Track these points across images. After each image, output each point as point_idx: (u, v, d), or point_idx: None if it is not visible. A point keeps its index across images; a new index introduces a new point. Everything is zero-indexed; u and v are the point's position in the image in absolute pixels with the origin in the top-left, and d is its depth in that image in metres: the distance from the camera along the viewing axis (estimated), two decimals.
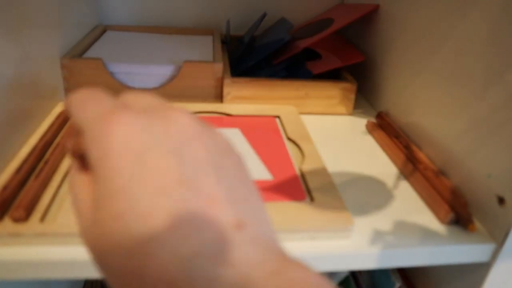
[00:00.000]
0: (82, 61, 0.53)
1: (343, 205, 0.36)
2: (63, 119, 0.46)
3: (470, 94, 0.41)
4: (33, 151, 0.39)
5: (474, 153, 0.40)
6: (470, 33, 0.41)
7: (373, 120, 0.56)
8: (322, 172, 0.41)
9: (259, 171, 0.41)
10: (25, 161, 0.38)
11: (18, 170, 0.36)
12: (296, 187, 0.39)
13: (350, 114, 0.58)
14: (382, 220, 0.38)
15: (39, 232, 0.31)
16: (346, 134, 0.53)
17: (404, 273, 0.53)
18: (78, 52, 0.56)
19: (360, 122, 0.57)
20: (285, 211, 0.35)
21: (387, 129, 0.53)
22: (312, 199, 0.37)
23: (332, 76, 0.59)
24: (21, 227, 0.31)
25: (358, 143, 0.51)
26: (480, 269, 0.41)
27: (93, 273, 0.32)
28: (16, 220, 0.32)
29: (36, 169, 0.37)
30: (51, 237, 0.31)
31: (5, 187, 0.34)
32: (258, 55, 0.61)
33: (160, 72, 0.54)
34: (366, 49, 0.64)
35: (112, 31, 0.70)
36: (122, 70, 0.54)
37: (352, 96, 0.57)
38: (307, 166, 0.42)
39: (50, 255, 0.31)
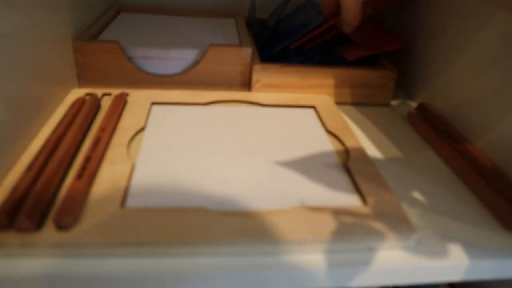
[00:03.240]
0: (97, 44, 0.48)
1: (401, 209, 0.32)
2: (78, 109, 0.41)
3: None
4: (45, 145, 0.35)
5: None
6: (483, 44, 0.36)
7: (413, 111, 0.51)
8: (371, 170, 0.36)
9: (301, 171, 0.36)
10: (36, 157, 0.33)
11: (29, 167, 0.32)
12: (345, 188, 0.34)
13: (388, 104, 0.53)
14: (441, 227, 0.33)
15: (55, 242, 0.27)
16: (386, 126, 0.48)
17: (453, 284, 0.49)
18: (91, 34, 0.51)
19: (400, 113, 0.52)
20: (336, 217, 0.30)
21: (432, 121, 0.48)
22: (365, 202, 0.33)
23: (367, 63, 0.54)
24: (34, 237, 0.27)
25: (401, 137, 0.46)
26: None
27: None
28: (62, 227, 0.27)
29: (74, 167, 0.33)
30: (70, 248, 0.27)
31: (15, 189, 0.29)
32: (286, 40, 0.55)
33: (183, 57, 0.49)
34: (403, 35, 0.59)
35: (127, 12, 0.65)
36: (140, 54, 0.49)
37: (391, 85, 0.52)
38: (353, 164, 0.37)
39: (70, 268, 0.27)
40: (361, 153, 0.39)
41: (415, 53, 0.56)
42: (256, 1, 0.69)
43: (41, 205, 0.28)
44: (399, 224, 0.30)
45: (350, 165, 0.37)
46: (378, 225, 0.30)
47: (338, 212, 0.31)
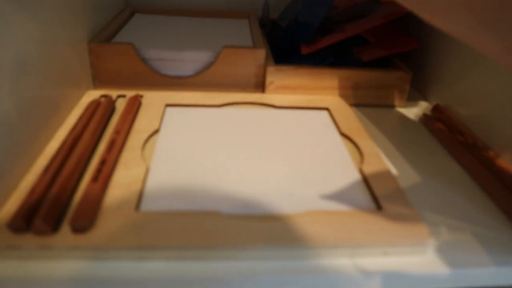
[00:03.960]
0: (112, 46, 0.48)
1: (416, 214, 0.31)
2: (93, 111, 0.42)
3: None
4: (61, 147, 0.35)
5: None
6: None
7: (428, 113, 0.51)
8: (386, 174, 0.36)
9: (316, 173, 0.36)
10: (53, 159, 0.34)
11: (46, 170, 0.32)
12: (360, 192, 0.34)
13: (403, 106, 0.53)
14: (459, 233, 0.33)
15: (71, 245, 0.27)
16: (401, 129, 0.48)
17: None
18: (106, 36, 0.51)
19: (414, 115, 0.51)
20: (351, 221, 0.30)
21: (447, 123, 0.47)
22: (379, 207, 0.32)
23: (380, 64, 0.54)
24: (51, 240, 0.27)
25: (415, 139, 0.46)
26: None
27: None
28: (78, 230, 0.27)
29: (90, 169, 0.34)
30: (85, 251, 0.27)
31: (32, 191, 0.30)
32: (299, 36, 0.55)
33: (197, 59, 0.49)
34: (419, 35, 0.58)
35: (140, 13, 0.65)
36: (154, 56, 0.49)
37: (407, 87, 0.51)
38: (368, 167, 0.37)
39: (86, 270, 0.27)
40: (375, 156, 0.38)
41: (431, 54, 0.55)
42: (269, 1, 0.69)
43: (58, 208, 0.28)
44: (415, 229, 0.30)
45: (364, 168, 0.37)
46: (393, 230, 0.30)
47: (352, 216, 0.31)
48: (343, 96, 0.51)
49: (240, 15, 0.68)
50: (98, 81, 0.49)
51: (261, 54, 0.49)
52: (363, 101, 0.52)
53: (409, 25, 0.61)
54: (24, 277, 0.26)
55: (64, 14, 0.42)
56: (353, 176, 0.36)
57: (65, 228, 0.28)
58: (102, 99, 0.45)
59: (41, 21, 0.37)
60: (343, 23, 0.57)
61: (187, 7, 0.70)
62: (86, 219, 0.27)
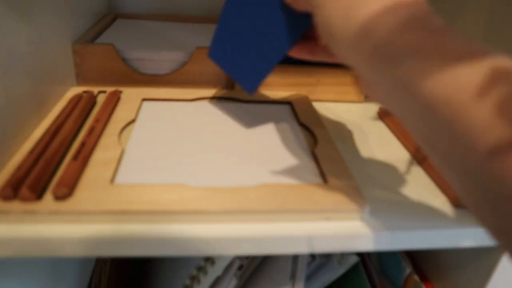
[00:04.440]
0: (94, 46, 0.53)
1: (356, 187, 0.36)
2: (75, 104, 0.46)
3: None
4: (45, 133, 0.39)
5: None
6: (471, 23, 0.40)
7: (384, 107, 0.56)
8: (335, 156, 0.41)
9: (273, 155, 0.41)
10: (37, 143, 0.38)
11: (31, 151, 0.36)
12: (311, 170, 0.39)
13: (362, 101, 0.58)
14: (395, 203, 0.38)
15: (53, 210, 0.31)
16: (358, 121, 0.53)
17: (414, 259, 0.53)
18: (89, 38, 0.56)
19: (372, 110, 0.56)
20: (299, 192, 0.35)
21: None
22: (326, 181, 0.37)
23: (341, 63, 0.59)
24: (35, 206, 0.31)
25: (371, 130, 0.51)
26: (493, 254, 0.40)
27: (106, 251, 0.32)
28: (59, 197, 0.32)
29: (71, 151, 0.38)
30: (65, 215, 0.31)
31: (19, 167, 0.34)
32: None
33: (172, 58, 0.54)
34: None
35: (122, 19, 0.70)
36: (134, 56, 0.54)
37: None
38: (320, 150, 0.41)
39: (66, 233, 0.31)
40: (328, 141, 0.43)
41: None
42: None
43: (42, 180, 0.33)
44: (354, 198, 0.35)
45: (316, 151, 0.41)
46: (335, 198, 0.35)
47: (300, 188, 0.35)
48: (306, 92, 0.56)
49: (215, 20, 0.73)
50: (81, 78, 0.54)
51: None
52: (325, 97, 0.57)
53: None
54: (11, 238, 0.31)
55: (51, 17, 0.46)
56: (306, 157, 0.41)
57: (48, 196, 0.32)
58: (84, 94, 0.49)
59: (30, 23, 0.41)
60: None
61: (166, 13, 0.75)
62: (67, 187, 0.32)
